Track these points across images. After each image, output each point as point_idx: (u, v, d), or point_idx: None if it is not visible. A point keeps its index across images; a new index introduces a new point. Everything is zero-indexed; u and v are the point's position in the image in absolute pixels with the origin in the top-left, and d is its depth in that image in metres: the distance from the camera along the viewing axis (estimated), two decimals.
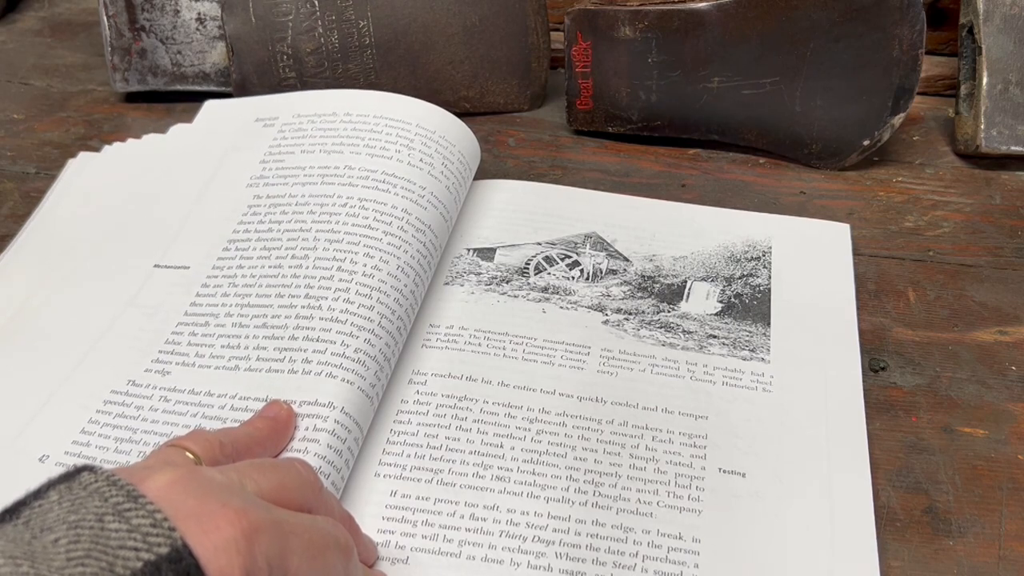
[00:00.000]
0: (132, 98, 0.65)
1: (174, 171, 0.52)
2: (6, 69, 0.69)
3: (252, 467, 0.30)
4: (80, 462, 0.35)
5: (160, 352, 0.42)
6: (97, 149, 0.55)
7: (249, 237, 0.46)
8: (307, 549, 0.28)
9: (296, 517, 0.29)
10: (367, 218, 0.45)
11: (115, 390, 0.40)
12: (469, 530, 0.37)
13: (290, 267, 0.43)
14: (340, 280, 0.42)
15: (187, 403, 0.39)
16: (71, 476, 0.26)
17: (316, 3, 0.60)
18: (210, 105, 0.56)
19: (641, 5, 0.56)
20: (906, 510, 0.39)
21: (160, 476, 0.27)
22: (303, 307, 0.41)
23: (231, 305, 0.43)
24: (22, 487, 0.26)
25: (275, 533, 0.27)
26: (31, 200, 0.53)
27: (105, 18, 0.62)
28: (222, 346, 0.41)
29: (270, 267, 0.44)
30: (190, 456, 0.31)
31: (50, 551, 0.23)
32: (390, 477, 0.39)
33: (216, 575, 0.24)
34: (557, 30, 0.63)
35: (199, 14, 0.62)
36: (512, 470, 0.39)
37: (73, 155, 0.55)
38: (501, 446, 0.40)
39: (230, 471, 0.29)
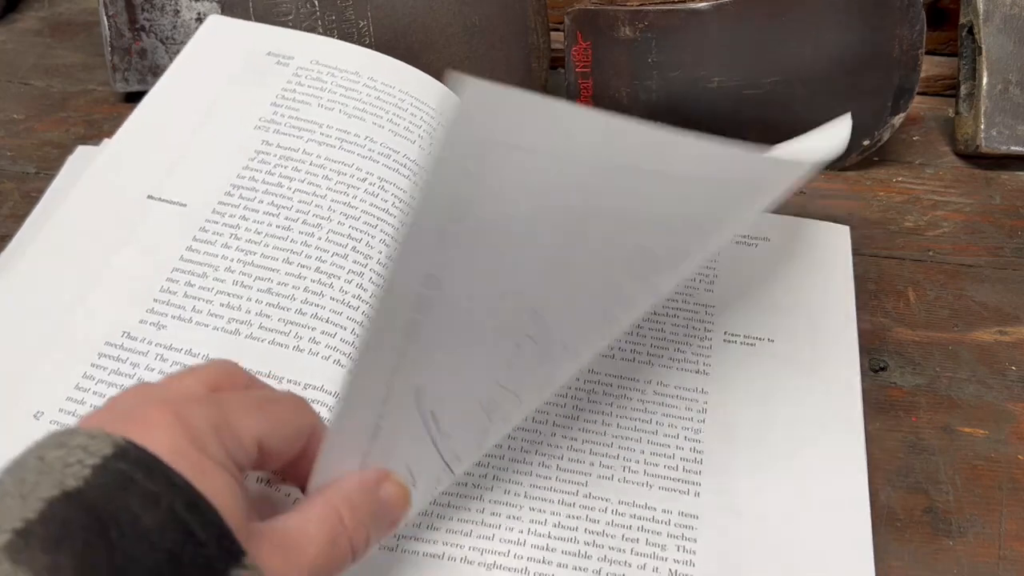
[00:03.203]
0: (132, 98, 0.64)
1: (169, 94, 0.48)
2: (6, 69, 0.69)
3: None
4: (74, 421, 0.34)
5: (155, 301, 0.40)
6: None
7: (255, 187, 0.44)
8: (252, 407, 0.28)
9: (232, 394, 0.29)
10: (386, 201, 0.43)
11: (110, 342, 0.38)
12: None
13: (300, 233, 0.41)
14: (355, 261, 0.41)
15: (185, 365, 0.38)
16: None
17: (316, 3, 0.60)
18: (214, 22, 0.51)
19: (641, 5, 0.56)
20: (906, 510, 0.39)
21: (97, 414, 0.27)
22: (313, 280, 0.40)
23: (232, 260, 0.41)
24: (18, 446, 0.25)
25: (208, 404, 0.27)
26: (31, 200, 0.53)
27: (105, 18, 0.62)
28: (221, 304, 0.39)
29: (278, 227, 0.42)
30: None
31: (3, 505, 0.23)
32: None
33: (166, 453, 0.24)
34: (557, 30, 0.63)
35: (199, 14, 0.62)
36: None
37: (72, 153, 0.55)
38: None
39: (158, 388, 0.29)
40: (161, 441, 0.24)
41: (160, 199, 0.43)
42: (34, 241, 0.42)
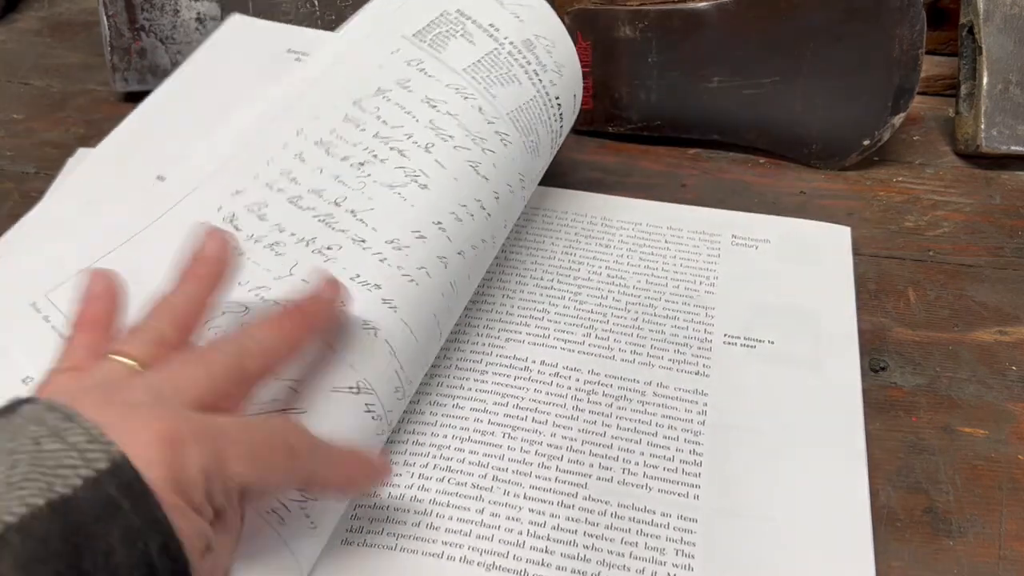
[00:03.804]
0: (132, 98, 0.64)
1: (185, 87, 0.49)
2: (6, 69, 0.69)
3: (181, 365, 0.29)
4: None
5: None
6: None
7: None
8: (247, 454, 0.27)
9: (233, 422, 0.28)
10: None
11: None
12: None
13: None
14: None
15: None
16: (12, 408, 0.25)
17: (316, 3, 0.60)
18: (235, 21, 0.52)
19: (641, 5, 0.56)
20: (906, 510, 0.39)
21: (91, 394, 0.26)
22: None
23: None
24: None
25: (205, 442, 0.26)
26: (31, 200, 0.53)
27: (105, 18, 0.62)
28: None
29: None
30: (129, 362, 0.29)
31: None
32: None
33: (156, 484, 0.24)
34: None
35: (199, 14, 0.62)
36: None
37: (73, 155, 0.55)
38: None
39: (155, 377, 0.29)
40: (154, 470, 0.24)
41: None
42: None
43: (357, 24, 0.46)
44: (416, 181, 0.40)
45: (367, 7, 0.47)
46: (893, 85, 0.54)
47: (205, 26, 0.62)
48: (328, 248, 0.37)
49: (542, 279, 0.48)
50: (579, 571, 0.35)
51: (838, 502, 0.38)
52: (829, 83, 0.55)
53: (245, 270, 0.37)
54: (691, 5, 0.55)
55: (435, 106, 0.42)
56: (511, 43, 0.45)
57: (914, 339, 0.47)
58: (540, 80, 0.45)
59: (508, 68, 0.44)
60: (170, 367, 0.29)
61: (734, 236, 0.51)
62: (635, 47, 0.57)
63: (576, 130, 0.61)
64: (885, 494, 0.39)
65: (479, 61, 0.44)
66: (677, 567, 0.36)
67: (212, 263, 0.33)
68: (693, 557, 0.36)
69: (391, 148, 0.40)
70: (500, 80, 0.44)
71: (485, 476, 0.38)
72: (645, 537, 0.37)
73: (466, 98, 0.43)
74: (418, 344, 0.38)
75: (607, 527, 0.37)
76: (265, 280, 0.37)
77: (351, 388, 0.35)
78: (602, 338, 0.45)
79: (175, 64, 0.62)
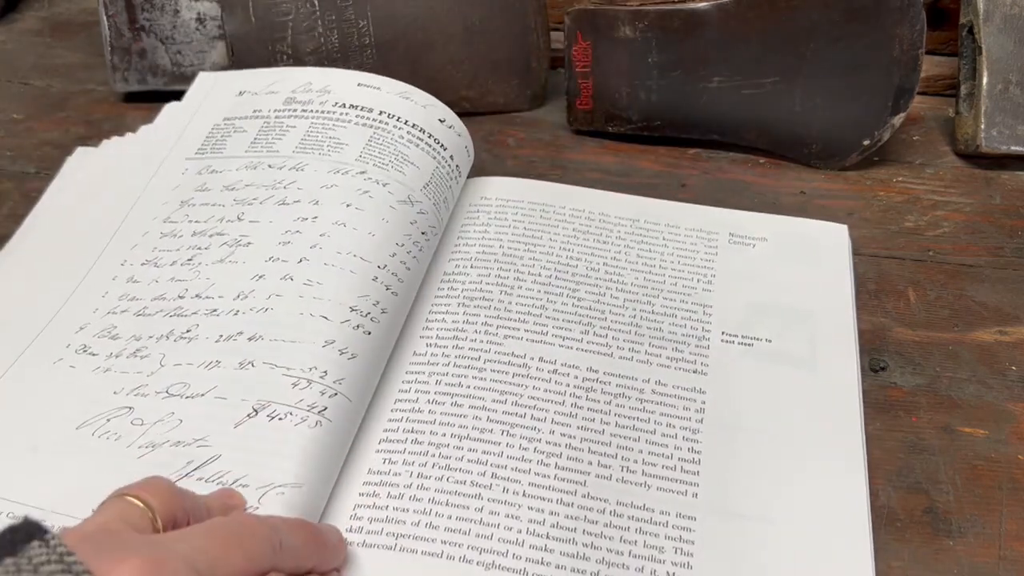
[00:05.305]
0: (132, 98, 0.65)
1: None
2: (6, 69, 0.69)
3: (212, 543, 0.28)
4: None
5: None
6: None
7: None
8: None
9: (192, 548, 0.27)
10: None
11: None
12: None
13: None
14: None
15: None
16: (19, 545, 0.24)
17: (316, 3, 0.60)
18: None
19: (641, 5, 0.56)
20: (906, 510, 0.39)
21: (122, 568, 0.25)
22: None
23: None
24: None
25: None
26: (31, 200, 0.53)
27: (105, 18, 0.62)
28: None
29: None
30: (146, 510, 0.29)
31: None
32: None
33: None
34: (557, 30, 0.63)
35: (199, 14, 0.62)
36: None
37: (72, 155, 0.55)
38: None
39: (194, 552, 0.27)
40: None
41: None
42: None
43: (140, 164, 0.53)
44: (239, 243, 0.45)
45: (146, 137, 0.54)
46: (893, 85, 0.54)
47: (205, 26, 0.62)
48: (187, 331, 0.41)
49: (539, 275, 0.48)
50: (578, 570, 0.35)
51: (835, 501, 0.38)
52: (829, 83, 0.55)
53: (116, 380, 0.40)
54: (691, 5, 0.55)
55: (233, 188, 0.48)
56: (274, 111, 0.53)
57: (914, 339, 0.47)
58: (311, 112, 0.52)
59: (281, 126, 0.52)
60: (199, 546, 0.28)
61: (731, 234, 0.51)
62: (635, 47, 0.57)
63: (576, 130, 0.61)
64: (885, 494, 0.39)
65: (255, 139, 0.51)
66: (676, 565, 0.35)
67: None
68: (692, 555, 0.36)
69: (210, 236, 0.46)
70: (278, 137, 0.51)
71: (484, 474, 0.38)
72: (644, 535, 0.36)
73: (255, 167, 0.49)
74: (297, 344, 0.40)
75: (606, 525, 0.37)
76: (140, 380, 0.40)
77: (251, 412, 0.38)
78: (600, 335, 0.45)
79: (175, 64, 0.62)
